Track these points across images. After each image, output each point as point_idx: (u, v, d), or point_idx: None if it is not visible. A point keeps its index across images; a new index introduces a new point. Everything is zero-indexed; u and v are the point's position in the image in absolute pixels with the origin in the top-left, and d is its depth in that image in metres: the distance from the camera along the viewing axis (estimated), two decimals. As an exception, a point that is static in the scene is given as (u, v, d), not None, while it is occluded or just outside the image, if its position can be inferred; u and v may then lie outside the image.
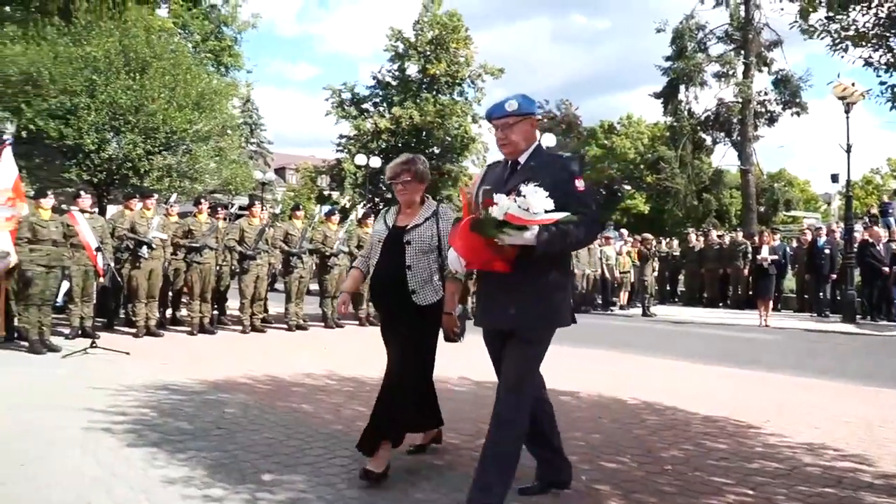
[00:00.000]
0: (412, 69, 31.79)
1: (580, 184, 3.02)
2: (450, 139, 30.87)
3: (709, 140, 31.70)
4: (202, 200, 9.68)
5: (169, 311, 10.33)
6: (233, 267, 10.42)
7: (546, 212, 2.84)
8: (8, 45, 12.76)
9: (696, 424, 5.01)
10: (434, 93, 31.33)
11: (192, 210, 10.06)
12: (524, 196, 2.82)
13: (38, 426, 4.40)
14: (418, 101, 30.87)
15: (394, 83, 32.23)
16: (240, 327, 9.85)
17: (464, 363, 5.91)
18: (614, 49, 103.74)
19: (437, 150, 31.48)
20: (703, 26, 28.67)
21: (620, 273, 15.51)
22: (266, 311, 10.58)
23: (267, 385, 6.04)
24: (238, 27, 22.67)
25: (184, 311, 10.41)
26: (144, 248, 8.86)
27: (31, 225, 7.67)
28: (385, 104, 31.53)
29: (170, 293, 10.20)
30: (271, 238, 10.29)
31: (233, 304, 10.75)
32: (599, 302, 15.46)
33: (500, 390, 3.04)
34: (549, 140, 20.78)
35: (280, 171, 51.49)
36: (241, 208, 10.67)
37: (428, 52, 31.06)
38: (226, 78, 19.49)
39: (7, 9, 18.48)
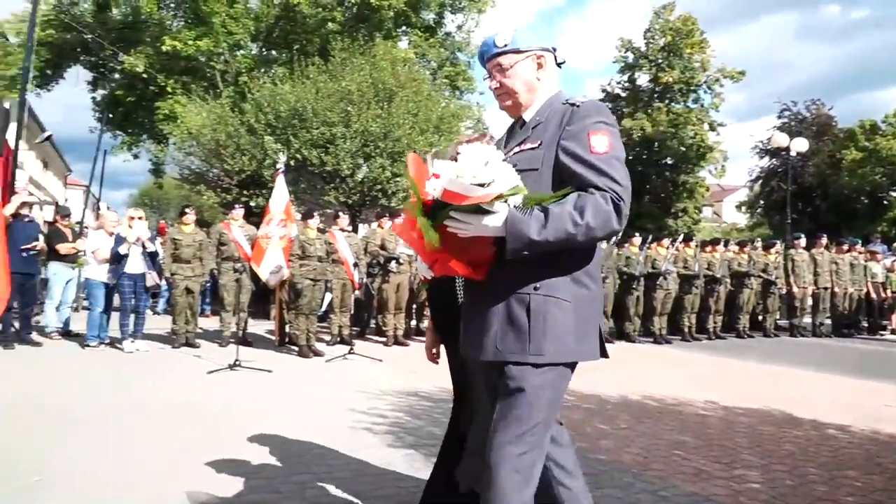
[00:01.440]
0: (643, 79, 30.97)
1: (600, 141, 1.98)
2: (684, 149, 29.50)
3: None
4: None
5: (414, 322, 11.02)
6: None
7: (485, 185, 1.86)
8: (279, 84, 14.55)
9: None
10: (667, 101, 30.21)
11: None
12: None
13: (318, 424, 4.90)
14: (650, 111, 29.95)
15: (623, 95, 31.61)
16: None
17: (713, 382, 5.59)
18: (872, 41, 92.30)
19: (670, 161, 30.25)
20: None
21: (892, 293, 13.67)
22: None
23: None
24: (471, 52, 23.67)
25: (427, 323, 11.04)
26: (393, 262, 9.58)
27: (301, 243, 8.67)
28: (615, 116, 31.03)
29: (414, 305, 10.89)
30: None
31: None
32: (866, 325, 13.75)
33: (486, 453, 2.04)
34: (800, 145, 18.93)
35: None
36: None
37: (660, 60, 30.06)
38: (461, 101, 20.45)
39: (274, 53, 21.16)
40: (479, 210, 1.87)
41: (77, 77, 21.57)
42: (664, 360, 9.25)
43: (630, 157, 29.00)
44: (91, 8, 19.99)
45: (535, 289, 1.99)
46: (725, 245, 13.12)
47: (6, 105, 14.61)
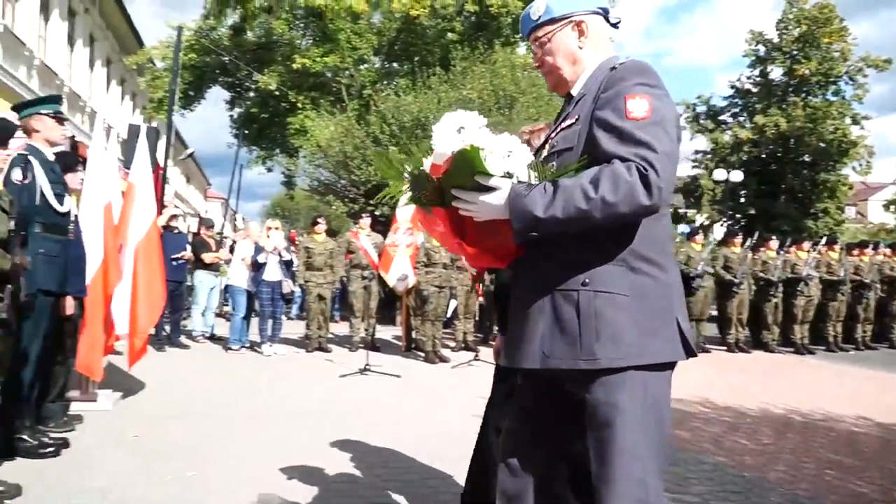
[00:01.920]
0: (776, 72, 29.20)
1: (639, 105, 1.67)
2: (824, 145, 27.57)
3: None
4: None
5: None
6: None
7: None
8: (401, 95, 14.91)
9: None
10: (803, 95, 28.34)
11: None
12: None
13: (447, 429, 4.96)
14: (784, 106, 28.22)
15: (755, 90, 29.97)
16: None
17: (865, 397, 5.18)
18: None
19: (808, 159, 28.38)
20: None
21: None
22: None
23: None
24: (591, 53, 23.32)
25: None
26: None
27: (427, 250, 8.84)
28: (745, 113, 29.48)
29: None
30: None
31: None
32: None
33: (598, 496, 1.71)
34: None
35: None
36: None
37: (795, 52, 28.25)
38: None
39: (395, 65, 21.72)
40: (480, 187, 1.68)
41: (216, 97, 23.10)
42: (807, 372, 8.68)
43: (764, 156, 27.72)
44: (228, 32, 21.31)
45: (584, 284, 1.70)
46: (875, 248, 12.16)
47: (155, 125, 15.86)
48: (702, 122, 29.91)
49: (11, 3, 14.02)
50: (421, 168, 1.80)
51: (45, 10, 15.81)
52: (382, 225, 10.97)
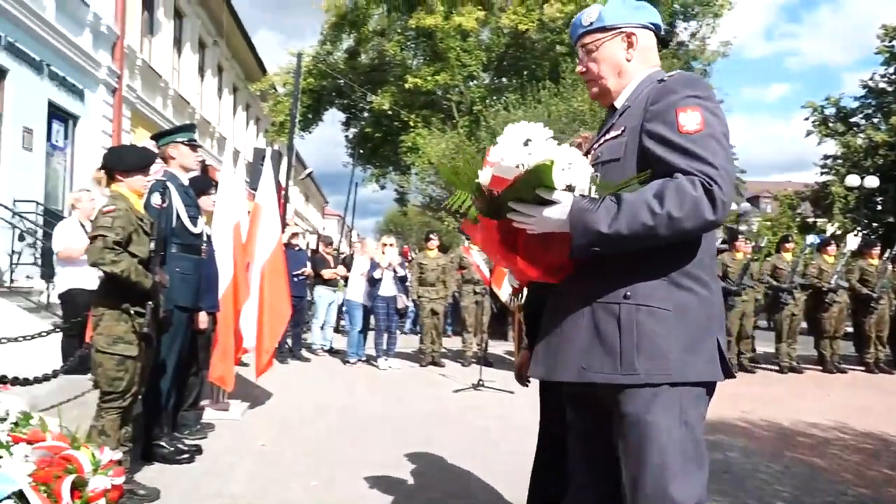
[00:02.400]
0: (914, 69, 27.04)
1: (690, 118, 1.65)
2: (974, 146, 25.21)
3: None
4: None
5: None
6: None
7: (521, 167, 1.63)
8: (511, 110, 14.96)
9: None
10: (946, 93, 26.08)
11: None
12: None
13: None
14: (925, 105, 26.06)
15: (890, 89, 27.86)
16: (726, 366, 9.58)
17: None
18: None
19: (955, 162, 26.01)
20: None
21: None
22: (754, 349, 10.05)
23: (767, 431, 5.69)
24: (706, 59, 22.48)
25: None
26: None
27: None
28: (880, 114, 27.43)
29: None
30: (757, 273, 9.79)
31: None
32: None
33: None
34: None
35: (753, 201, 48.99)
36: (723, 242, 10.36)
37: (935, 46, 26.10)
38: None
39: (504, 80, 21.81)
40: (541, 200, 1.61)
41: (333, 118, 24.06)
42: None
43: (902, 160, 25.61)
44: (343, 56, 22.19)
45: (626, 297, 1.67)
46: None
47: (276, 148, 16.66)
48: (831, 125, 28.10)
49: (149, 39, 15.20)
50: (476, 180, 1.73)
51: (178, 43, 17.04)
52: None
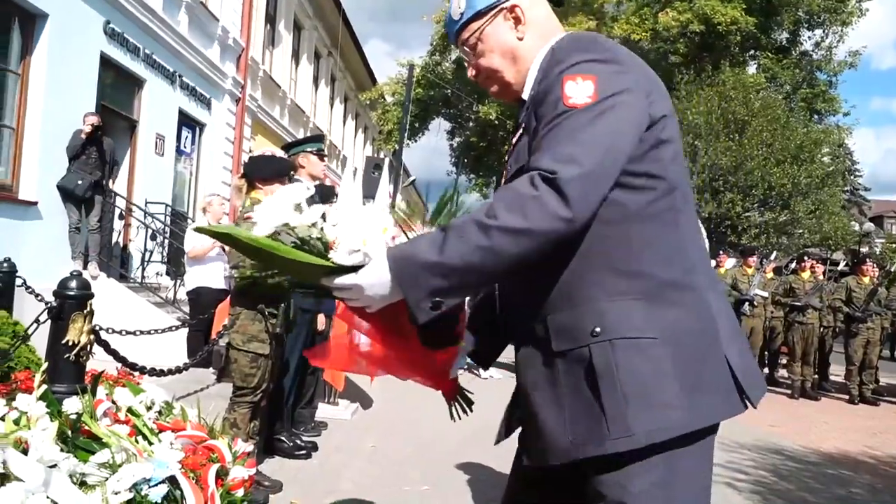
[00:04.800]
0: None
1: (582, 89, 1.24)
2: None
3: None
4: (805, 258, 9.35)
5: (766, 370, 10.14)
6: (837, 329, 9.67)
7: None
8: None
9: None
10: None
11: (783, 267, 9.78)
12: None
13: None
14: None
15: None
16: (846, 396, 9.02)
17: None
18: None
19: None
20: None
21: None
22: (877, 380, 9.42)
23: (895, 468, 5.34)
24: (833, 69, 21.29)
25: (782, 372, 10.12)
26: (746, 305, 8.95)
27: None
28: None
29: (766, 352, 10.04)
30: (885, 299, 9.18)
31: (837, 370, 9.95)
32: None
33: None
34: None
35: (877, 220, 45.92)
36: (846, 265, 9.79)
37: None
38: (820, 126, 18.46)
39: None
40: (342, 269, 1.27)
41: (439, 127, 24.42)
42: None
43: None
44: (452, 66, 22.51)
45: (594, 335, 1.25)
46: None
47: (383, 156, 17.06)
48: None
49: (270, 51, 15.96)
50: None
51: (295, 55, 17.79)
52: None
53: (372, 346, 1.52)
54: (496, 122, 20.54)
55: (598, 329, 1.25)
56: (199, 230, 1.53)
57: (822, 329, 9.20)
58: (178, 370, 4.11)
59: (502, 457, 4.71)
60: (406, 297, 1.22)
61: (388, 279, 1.23)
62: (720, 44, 18.48)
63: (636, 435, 1.21)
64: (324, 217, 1.41)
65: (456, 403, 1.78)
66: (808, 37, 21.14)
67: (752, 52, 20.42)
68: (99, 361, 3.30)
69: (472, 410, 1.78)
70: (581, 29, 18.47)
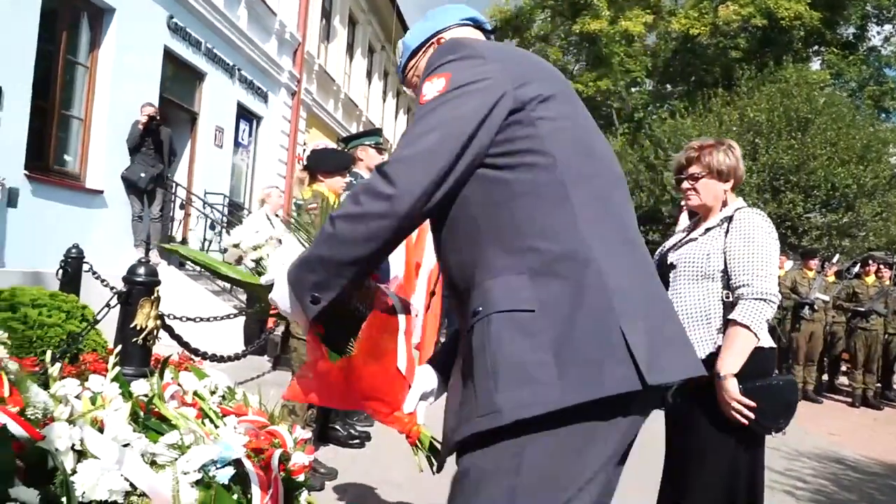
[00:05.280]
0: None
1: (434, 86, 1.28)
2: None
3: None
4: (870, 262, 9.01)
5: (826, 377, 9.84)
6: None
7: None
8: (677, 118, 14.42)
9: None
10: None
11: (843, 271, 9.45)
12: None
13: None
14: None
15: None
16: (912, 404, 8.71)
17: None
18: None
19: None
20: None
21: None
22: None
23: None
24: (902, 65, 20.50)
25: (842, 380, 9.80)
26: (806, 308, 8.68)
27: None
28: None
29: (826, 358, 9.73)
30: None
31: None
32: None
33: None
34: None
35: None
36: (853, 264, 9.47)
37: None
38: (887, 124, 17.77)
39: (668, 87, 21.06)
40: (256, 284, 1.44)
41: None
42: None
43: None
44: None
45: (475, 314, 1.23)
46: None
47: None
48: None
49: (325, 45, 16.14)
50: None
51: (350, 49, 17.96)
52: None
53: (332, 373, 1.47)
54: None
55: (480, 307, 1.23)
56: (169, 249, 1.93)
57: (886, 336, 8.87)
58: (237, 357, 4.21)
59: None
60: (297, 298, 1.31)
61: (287, 288, 1.34)
62: (783, 39, 17.97)
63: (501, 412, 1.13)
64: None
65: (421, 453, 1.65)
66: (877, 32, 20.51)
67: (816, 47, 19.82)
68: (162, 346, 3.40)
69: (438, 471, 1.60)
70: (638, 23, 18.18)
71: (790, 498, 4.26)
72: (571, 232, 1.22)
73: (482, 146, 1.24)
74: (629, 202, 1.41)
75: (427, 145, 1.23)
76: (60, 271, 4.22)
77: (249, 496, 1.97)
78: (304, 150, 4.12)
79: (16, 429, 1.73)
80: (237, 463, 2.12)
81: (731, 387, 2.08)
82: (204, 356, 3.73)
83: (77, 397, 2.09)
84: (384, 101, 21.91)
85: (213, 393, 2.85)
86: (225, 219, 10.00)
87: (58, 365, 2.19)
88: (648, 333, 1.18)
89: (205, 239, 9.27)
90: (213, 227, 9.36)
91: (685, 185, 2.34)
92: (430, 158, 1.22)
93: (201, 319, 4.88)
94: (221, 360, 4.14)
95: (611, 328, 1.16)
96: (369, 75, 20.02)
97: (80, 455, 1.82)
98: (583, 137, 1.33)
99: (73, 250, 4.28)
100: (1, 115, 6.39)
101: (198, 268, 8.99)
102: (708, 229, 2.28)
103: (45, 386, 2.16)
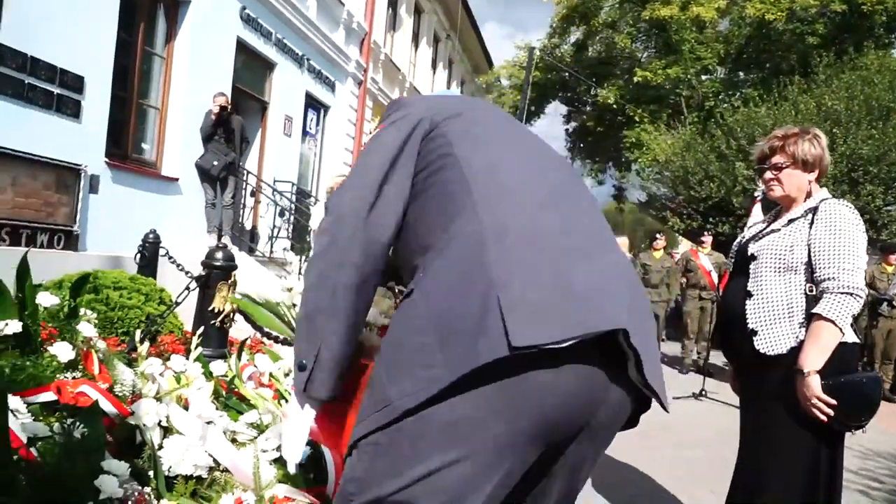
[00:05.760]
0: None
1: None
2: None
3: None
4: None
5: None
6: None
7: None
8: (751, 107, 13.92)
9: None
10: None
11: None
12: None
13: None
14: None
15: None
16: None
17: None
18: None
19: None
20: None
21: None
22: None
23: None
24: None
25: None
26: (884, 304, 8.33)
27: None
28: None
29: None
30: None
31: None
32: None
33: None
34: None
35: None
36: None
37: None
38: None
39: (741, 74, 20.35)
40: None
41: (555, 111, 24.13)
42: None
43: None
44: (571, 49, 22.09)
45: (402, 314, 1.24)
46: None
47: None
48: None
49: (391, 34, 16.25)
50: None
51: (415, 38, 18.03)
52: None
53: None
54: (615, 106, 20.01)
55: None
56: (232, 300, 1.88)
57: (972, 335, 8.43)
58: (306, 341, 4.30)
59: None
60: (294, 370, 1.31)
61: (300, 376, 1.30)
62: (864, 24, 17.14)
63: (392, 404, 1.12)
64: None
65: None
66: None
67: (901, 32, 18.82)
68: (235, 329, 3.51)
69: None
70: (711, 8, 17.60)
71: (865, 498, 4.11)
72: (469, 215, 1.22)
73: (410, 159, 1.34)
74: (568, 186, 1.40)
75: (356, 170, 1.36)
76: (138, 255, 4.40)
77: (325, 475, 2.03)
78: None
79: (106, 405, 1.83)
80: (312, 444, 2.19)
81: (814, 384, 2.03)
82: (276, 339, 3.83)
83: (160, 375, 2.20)
84: (448, 89, 21.94)
85: (286, 375, 2.94)
86: (293, 206, 10.21)
87: (146, 344, 2.29)
88: (539, 292, 1.12)
89: (274, 226, 9.49)
90: (281, 215, 9.58)
91: (768, 175, 2.29)
92: (358, 177, 1.34)
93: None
94: (290, 343, 4.26)
95: (484, 300, 1.10)
96: (434, 64, 20.07)
97: (166, 431, 1.91)
98: (492, 134, 1.40)
99: (151, 235, 4.45)
100: (83, 105, 6.68)
101: (267, 254, 9.25)
102: (791, 220, 2.23)
103: (129, 365, 2.27)
